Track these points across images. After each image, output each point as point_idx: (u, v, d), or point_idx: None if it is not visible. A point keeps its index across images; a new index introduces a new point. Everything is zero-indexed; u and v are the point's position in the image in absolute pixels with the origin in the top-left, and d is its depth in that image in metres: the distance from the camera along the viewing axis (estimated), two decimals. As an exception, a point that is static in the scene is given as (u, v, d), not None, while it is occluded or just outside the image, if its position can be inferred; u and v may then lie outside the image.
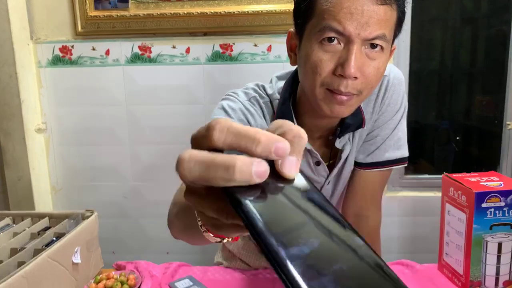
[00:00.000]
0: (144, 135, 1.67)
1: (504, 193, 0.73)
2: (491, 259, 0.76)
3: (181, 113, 1.64)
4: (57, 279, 0.73)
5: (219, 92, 1.45)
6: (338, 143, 0.83)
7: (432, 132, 1.95)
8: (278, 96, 0.82)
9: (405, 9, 0.69)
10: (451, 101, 1.90)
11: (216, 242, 0.45)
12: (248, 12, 1.54)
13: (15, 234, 0.81)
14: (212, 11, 1.54)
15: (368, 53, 0.66)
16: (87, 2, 1.55)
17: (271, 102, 0.82)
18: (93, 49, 1.61)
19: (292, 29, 0.75)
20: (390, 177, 1.00)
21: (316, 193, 0.27)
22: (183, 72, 1.61)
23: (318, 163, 0.85)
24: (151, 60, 1.61)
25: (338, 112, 0.70)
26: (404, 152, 0.89)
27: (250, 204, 0.24)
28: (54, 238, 0.80)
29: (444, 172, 0.83)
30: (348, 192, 0.94)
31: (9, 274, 0.62)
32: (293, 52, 0.76)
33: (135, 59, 1.61)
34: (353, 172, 0.91)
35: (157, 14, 1.55)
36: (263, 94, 0.83)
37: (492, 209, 0.73)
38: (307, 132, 0.28)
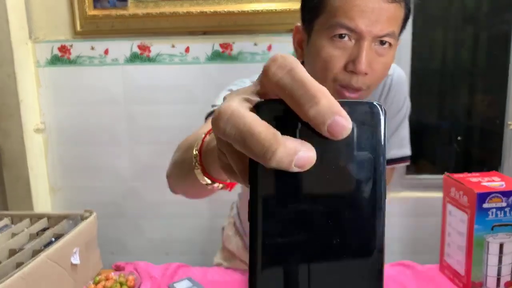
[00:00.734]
0: (143, 135, 1.66)
1: (506, 194, 0.73)
2: (493, 259, 0.75)
3: (180, 113, 1.63)
4: (56, 280, 0.72)
5: (219, 91, 1.45)
6: None
7: (433, 132, 1.94)
8: None
9: (411, 7, 0.70)
10: (452, 100, 1.90)
11: (206, 184, 0.46)
12: (248, 11, 1.53)
13: (14, 234, 0.81)
14: (212, 10, 1.53)
15: (377, 49, 0.67)
16: (86, 1, 1.54)
17: None
18: (92, 48, 1.60)
19: (299, 24, 0.75)
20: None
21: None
22: (182, 72, 1.60)
23: None
24: (150, 60, 1.60)
25: None
26: (406, 150, 0.90)
27: (265, 190, 0.22)
28: (53, 239, 0.79)
29: (445, 172, 0.82)
30: None
31: (7, 275, 0.62)
32: (300, 47, 0.76)
33: (134, 58, 1.61)
34: None
35: (156, 13, 1.54)
36: None
37: (494, 210, 0.73)
38: None
